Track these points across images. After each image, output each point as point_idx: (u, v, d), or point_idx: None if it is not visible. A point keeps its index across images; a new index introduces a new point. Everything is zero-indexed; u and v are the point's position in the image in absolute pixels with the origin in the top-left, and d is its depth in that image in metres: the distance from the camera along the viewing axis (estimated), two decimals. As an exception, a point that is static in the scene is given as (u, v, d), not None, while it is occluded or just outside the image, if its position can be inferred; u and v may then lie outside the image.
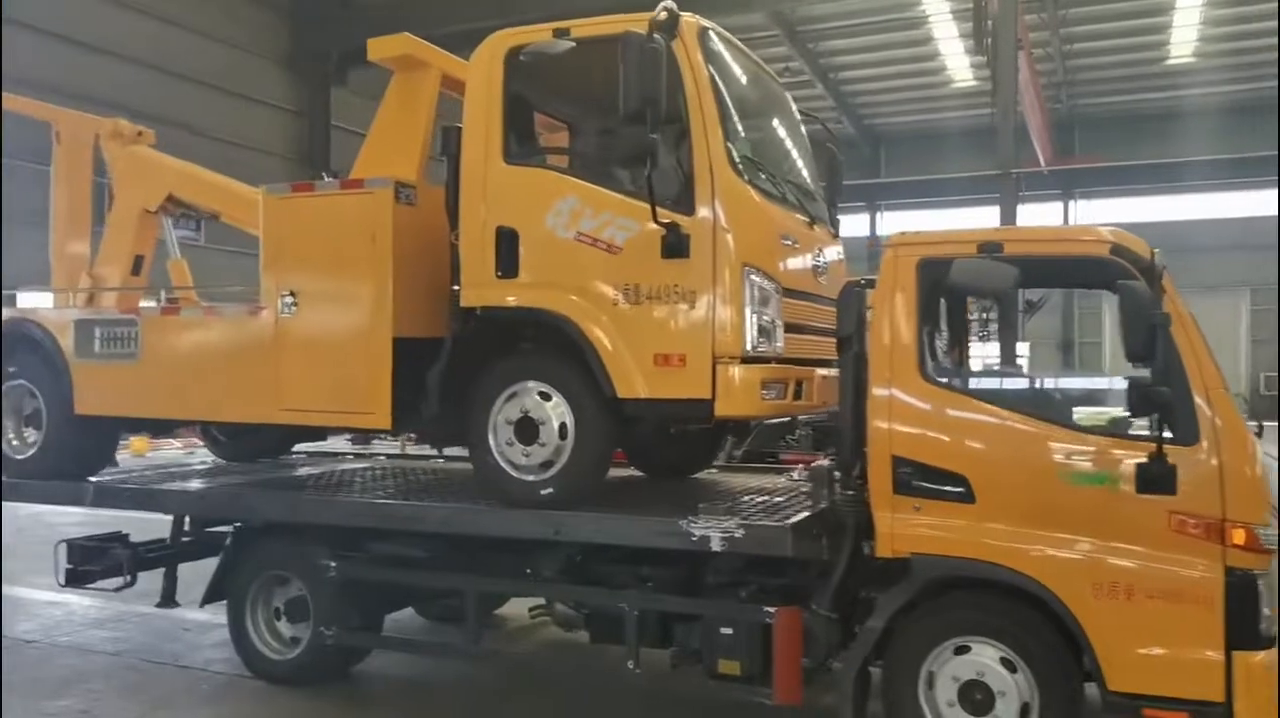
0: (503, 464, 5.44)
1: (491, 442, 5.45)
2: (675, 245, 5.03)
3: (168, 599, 6.95)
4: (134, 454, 21.31)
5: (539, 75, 5.54)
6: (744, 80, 5.70)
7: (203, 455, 10.57)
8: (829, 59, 32.26)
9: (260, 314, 6.01)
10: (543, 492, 5.33)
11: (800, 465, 6.82)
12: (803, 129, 6.47)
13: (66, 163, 8.00)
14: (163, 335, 6.38)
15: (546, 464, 5.33)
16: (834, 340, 6.03)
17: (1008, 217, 19.98)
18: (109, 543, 6.74)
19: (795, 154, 6.12)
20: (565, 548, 5.55)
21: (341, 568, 5.73)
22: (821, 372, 5.59)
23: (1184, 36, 30.23)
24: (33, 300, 7.40)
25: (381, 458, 8.50)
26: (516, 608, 7.30)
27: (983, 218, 28.68)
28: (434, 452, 8.28)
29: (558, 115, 6.19)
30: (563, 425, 5.29)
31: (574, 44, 5.26)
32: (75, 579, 6.72)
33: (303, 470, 7.48)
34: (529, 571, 5.67)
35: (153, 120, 24.56)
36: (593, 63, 5.34)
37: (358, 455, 8.60)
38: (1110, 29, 30.08)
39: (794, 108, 6.51)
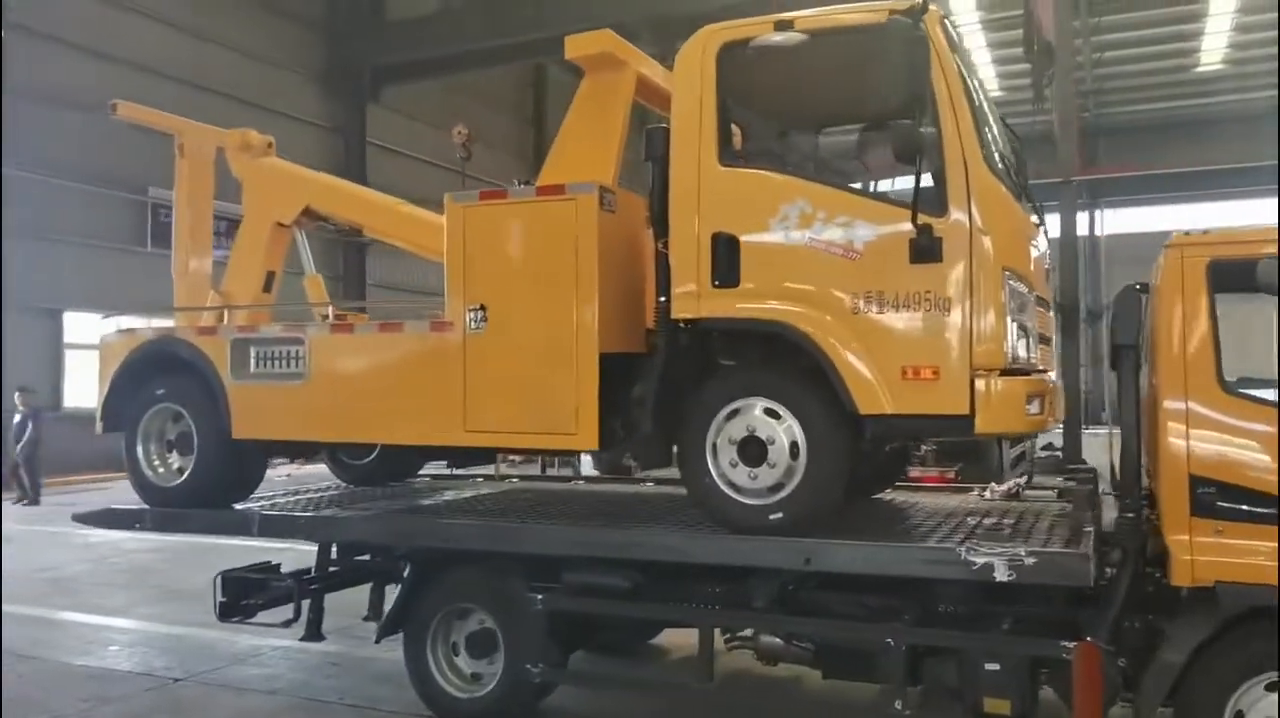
0: (723, 487, 5.07)
1: (710, 463, 5.09)
2: (927, 249, 4.68)
3: (314, 633, 6.56)
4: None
5: (757, 71, 5.19)
6: (970, 71, 5.37)
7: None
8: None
9: (445, 330, 5.64)
10: (771, 516, 4.96)
11: (992, 485, 6.45)
12: None
13: (190, 177, 7.67)
14: (333, 355, 6.01)
15: (776, 487, 4.97)
16: (1049, 349, 5.74)
17: (1068, 224, 19.70)
18: (270, 575, 6.37)
19: (1011, 148, 5.78)
20: (780, 576, 5.19)
21: (548, 600, 5.34)
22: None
23: (1215, 44, 30.13)
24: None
25: (514, 480, 8.12)
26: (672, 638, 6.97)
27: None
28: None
29: (779, 113, 5.83)
30: (794, 445, 4.93)
31: (806, 37, 4.92)
32: (233, 613, 6.34)
33: (448, 495, 7.09)
34: (717, 599, 5.32)
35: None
36: (826, 56, 5.01)
37: (486, 478, 8.22)
38: (1139, 36, 29.98)
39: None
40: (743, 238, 5.03)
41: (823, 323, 4.86)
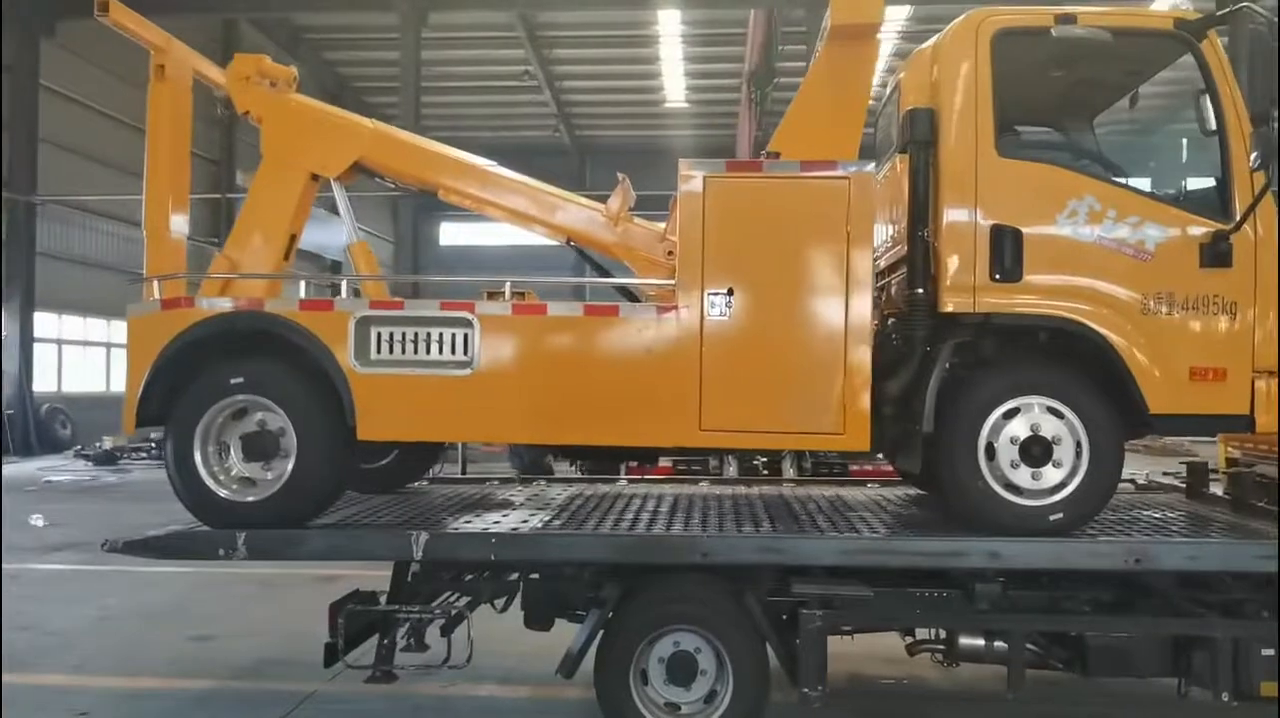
0: (998, 488, 4.92)
1: (982, 463, 4.92)
2: (1220, 255, 4.87)
3: (386, 673, 5.45)
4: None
5: (1034, 62, 5.09)
6: None
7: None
8: (558, 67, 32.15)
9: (675, 315, 4.94)
10: (1052, 517, 4.89)
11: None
12: None
13: (171, 108, 6.05)
14: (515, 340, 5.02)
15: (1057, 488, 4.91)
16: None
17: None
18: (398, 608, 5.19)
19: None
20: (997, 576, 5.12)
21: (828, 617, 4.83)
22: None
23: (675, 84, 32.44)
24: None
25: (542, 482, 7.25)
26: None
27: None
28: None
29: (1053, 106, 5.68)
30: (1078, 444, 4.90)
31: (1109, 36, 4.89)
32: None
33: (529, 498, 6.20)
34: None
35: None
36: (1119, 54, 5.02)
37: (504, 480, 7.28)
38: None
39: None
40: (1026, 231, 4.91)
41: (1115, 322, 4.89)
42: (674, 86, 33.59)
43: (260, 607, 8.36)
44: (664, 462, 10.04)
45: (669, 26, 29.18)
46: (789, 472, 9.70)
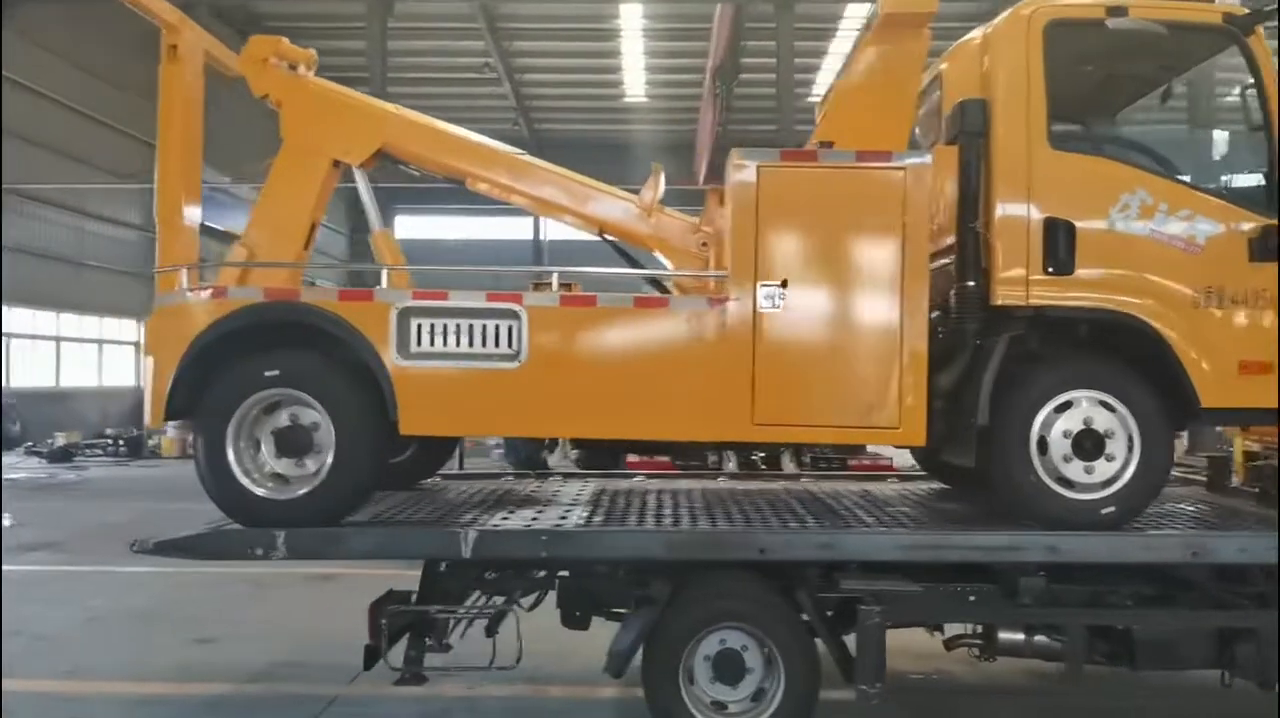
0: (1050, 482, 4.89)
1: (1034, 457, 4.89)
2: (1269, 249, 4.89)
3: (416, 674, 5.29)
4: None
5: (1085, 53, 5.07)
6: None
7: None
8: (519, 59, 31.84)
9: (727, 307, 4.84)
10: (1104, 511, 4.88)
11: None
12: None
13: (183, 90, 5.81)
14: (564, 332, 4.87)
15: (1108, 481, 4.90)
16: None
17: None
18: (441, 607, 5.01)
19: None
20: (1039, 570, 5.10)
21: (886, 612, 4.76)
22: None
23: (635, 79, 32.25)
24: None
25: (559, 477, 7.11)
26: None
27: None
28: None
29: (1103, 99, 5.65)
30: (1130, 438, 4.89)
31: (1162, 28, 4.89)
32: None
33: (554, 497, 6.06)
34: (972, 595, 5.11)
35: None
36: (1168, 47, 5.02)
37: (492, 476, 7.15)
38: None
39: None
40: (1079, 225, 4.89)
41: (1167, 316, 4.90)
42: (634, 81, 33.43)
43: (257, 607, 8.12)
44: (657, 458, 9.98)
45: (631, 21, 29.04)
46: (789, 466, 9.69)
